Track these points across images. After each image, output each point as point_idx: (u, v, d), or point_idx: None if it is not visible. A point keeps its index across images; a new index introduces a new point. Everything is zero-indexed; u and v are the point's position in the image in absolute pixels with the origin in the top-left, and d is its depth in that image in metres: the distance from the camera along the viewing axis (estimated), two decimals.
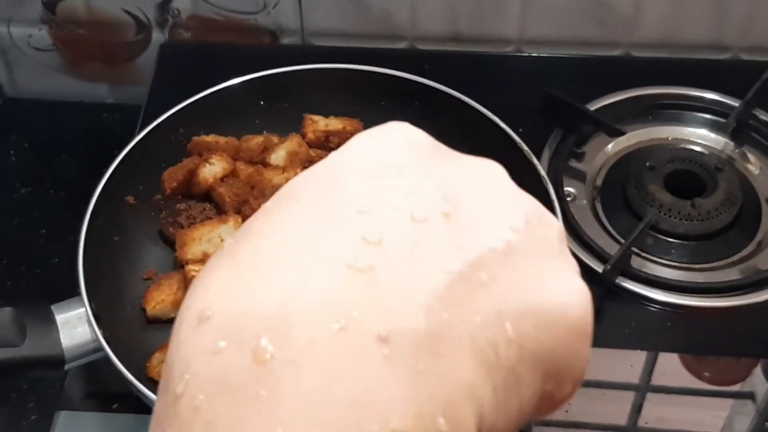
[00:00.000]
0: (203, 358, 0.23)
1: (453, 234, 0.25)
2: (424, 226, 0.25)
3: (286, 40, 1.02)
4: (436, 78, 0.81)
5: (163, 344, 0.67)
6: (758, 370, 0.76)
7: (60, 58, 1.04)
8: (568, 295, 0.27)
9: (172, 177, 0.77)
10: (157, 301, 0.70)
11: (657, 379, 0.75)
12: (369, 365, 0.22)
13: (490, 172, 0.29)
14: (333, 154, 0.28)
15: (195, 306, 0.24)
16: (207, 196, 0.78)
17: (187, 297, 0.25)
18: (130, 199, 0.76)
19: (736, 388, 0.76)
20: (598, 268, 0.78)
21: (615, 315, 0.78)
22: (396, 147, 0.28)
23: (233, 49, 1.01)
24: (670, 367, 0.76)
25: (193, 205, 0.77)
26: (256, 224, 0.26)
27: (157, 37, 1.02)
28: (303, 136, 0.81)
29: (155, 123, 0.77)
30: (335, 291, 0.23)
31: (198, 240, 0.72)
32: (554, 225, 0.28)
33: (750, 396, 0.75)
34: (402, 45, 1.01)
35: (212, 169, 0.77)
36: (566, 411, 0.72)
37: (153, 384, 0.64)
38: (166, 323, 0.71)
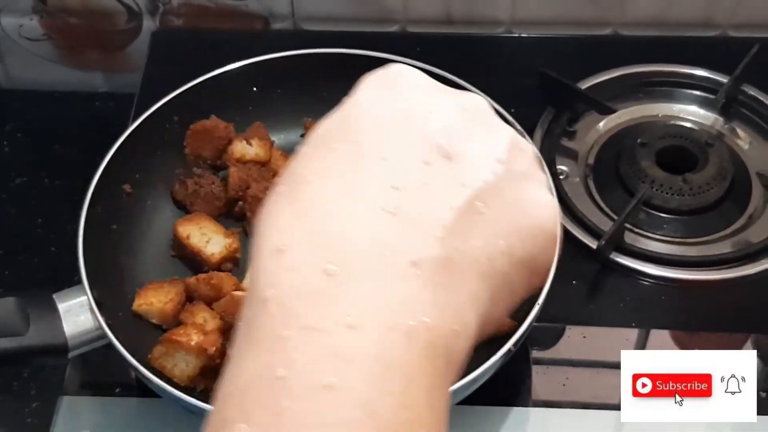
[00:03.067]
0: (287, 274, 0.30)
1: (453, 173, 0.32)
2: (432, 169, 0.32)
3: (277, 26, 1.02)
4: (429, 60, 0.81)
5: (162, 337, 0.67)
6: (749, 347, 0.77)
7: (52, 48, 1.04)
8: (544, 209, 0.34)
9: (203, 138, 0.78)
10: (146, 302, 0.69)
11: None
12: (407, 281, 0.29)
13: (477, 108, 0.35)
14: (348, 103, 0.35)
15: (271, 242, 0.31)
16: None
17: (261, 233, 0.32)
18: (127, 187, 0.76)
19: None
20: (592, 244, 0.79)
21: (610, 290, 0.79)
22: (400, 92, 0.35)
23: (225, 36, 1.01)
24: (664, 343, 0.77)
25: (206, 174, 0.78)
26: (303, 171, 0.32)
27: (149, 24, 1.02)
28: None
29: (151, 111, 0.77)
30: (376, 230, 0.30)
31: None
32: (528, 150, 0.35)
33: None
34: (394, 28, 1.01)
35: (246, 149, 0.78)
36: (563, 385, 0.73)
37: (155, 373, 0.64)
38: None
